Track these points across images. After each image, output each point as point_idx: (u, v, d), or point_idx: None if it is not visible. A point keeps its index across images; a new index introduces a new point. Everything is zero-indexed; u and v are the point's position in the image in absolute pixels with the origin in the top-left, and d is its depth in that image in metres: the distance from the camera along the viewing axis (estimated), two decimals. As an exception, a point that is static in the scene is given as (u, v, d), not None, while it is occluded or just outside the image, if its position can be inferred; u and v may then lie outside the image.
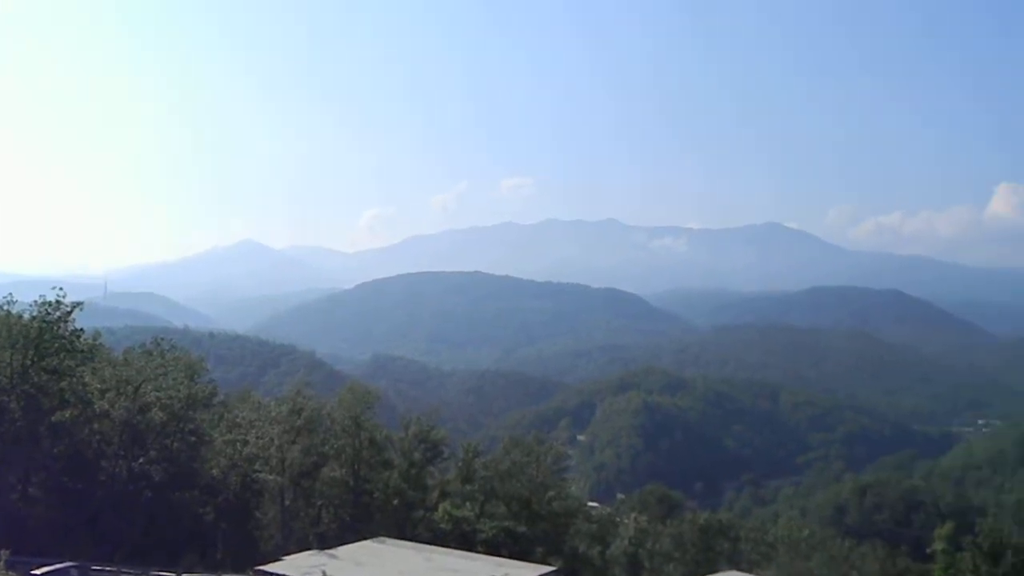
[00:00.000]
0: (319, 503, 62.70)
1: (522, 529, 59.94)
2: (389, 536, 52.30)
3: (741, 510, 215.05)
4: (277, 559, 44.94)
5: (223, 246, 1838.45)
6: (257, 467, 57.68)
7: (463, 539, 56.83)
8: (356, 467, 62.57)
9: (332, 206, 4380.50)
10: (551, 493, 65.89)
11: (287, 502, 60.46)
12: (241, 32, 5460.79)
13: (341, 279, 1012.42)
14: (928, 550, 56.69)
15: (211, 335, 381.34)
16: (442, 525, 59.10)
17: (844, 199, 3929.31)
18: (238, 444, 57.95)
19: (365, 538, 50.19)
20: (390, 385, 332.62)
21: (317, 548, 47.71)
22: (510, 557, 50.91)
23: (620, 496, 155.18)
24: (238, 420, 60.56)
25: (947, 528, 54.03)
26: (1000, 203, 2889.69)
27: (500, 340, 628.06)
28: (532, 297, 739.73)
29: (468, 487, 64.36)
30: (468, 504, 62.27)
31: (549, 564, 53.59)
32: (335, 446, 61.98)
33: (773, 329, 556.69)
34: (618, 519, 76.82)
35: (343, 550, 46.14)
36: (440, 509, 60.93)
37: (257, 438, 57.90)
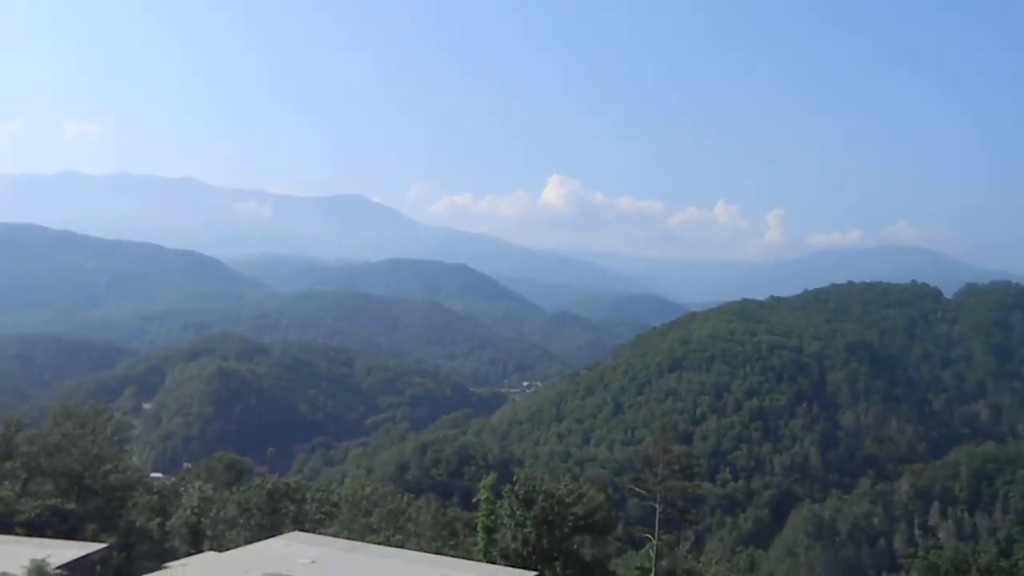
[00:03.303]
0: None
1: (71, 506, 56.18)
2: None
3: (311, 472, 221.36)
4: None
5: None
6: None
7: (-1, 523, 51.77)
8: None
9: None
10: (108, 466, 62.50)
11: None
12: None
13: None
14: (474, 499, 63.87)
15: None
16: (-28, 510, 53.07)
17: (424, 178, 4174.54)
18: None
19: None
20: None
21: None
22: (56, 537, 47.81)
23: (187, 465, 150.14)
24: None
25: (491, 478, 61.13)
26: (551, 192, 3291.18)
27: (56, 302, 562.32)
28: (97, 256, 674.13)
29: (8, 464, 58.62)
30: (7, 483, 56.91)
31: (101, 541, 51.20)
32: None
33: (352, 297, 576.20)
34: (182, 489, 74.86)
35: None
36: (-29, 492, 54.63)
37: None
